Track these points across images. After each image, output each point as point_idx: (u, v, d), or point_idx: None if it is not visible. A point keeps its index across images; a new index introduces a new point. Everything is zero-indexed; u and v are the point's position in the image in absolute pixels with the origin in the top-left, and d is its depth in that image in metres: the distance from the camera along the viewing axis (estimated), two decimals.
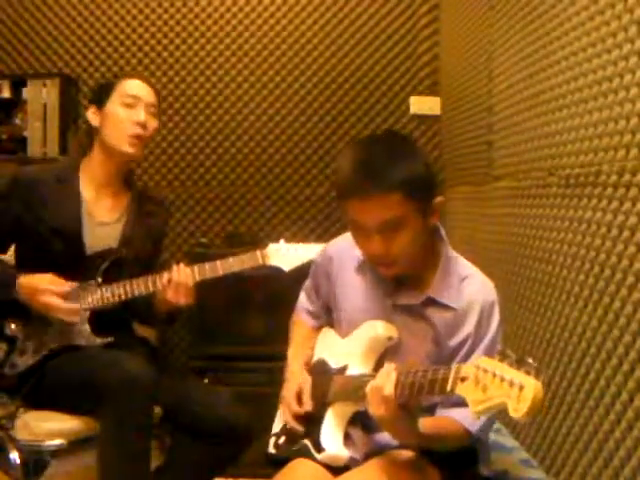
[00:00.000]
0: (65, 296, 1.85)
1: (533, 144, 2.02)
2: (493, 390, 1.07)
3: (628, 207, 1.45)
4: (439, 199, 1.46)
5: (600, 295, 1.56)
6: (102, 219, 1.97)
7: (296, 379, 1.64)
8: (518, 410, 1.02)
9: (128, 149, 1.93)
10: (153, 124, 1.98)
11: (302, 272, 1.85)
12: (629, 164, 1.44)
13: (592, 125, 1.62)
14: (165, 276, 1.85)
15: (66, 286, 1.86)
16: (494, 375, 1.08)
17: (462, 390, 1.14)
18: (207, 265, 1.86)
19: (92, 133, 2.00)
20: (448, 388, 1.17)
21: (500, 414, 1.36)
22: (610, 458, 1.49)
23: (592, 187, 1.62)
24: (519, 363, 1.06)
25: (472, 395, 1.11)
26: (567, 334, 1.73)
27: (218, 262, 1.86)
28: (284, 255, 1.85)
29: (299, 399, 1.60)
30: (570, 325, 1.72)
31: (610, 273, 1.52)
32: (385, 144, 1.48)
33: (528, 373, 1.04)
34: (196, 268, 1.86)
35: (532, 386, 1.02)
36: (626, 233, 1.45)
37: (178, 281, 1.83)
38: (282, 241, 1.87)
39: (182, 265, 1.86)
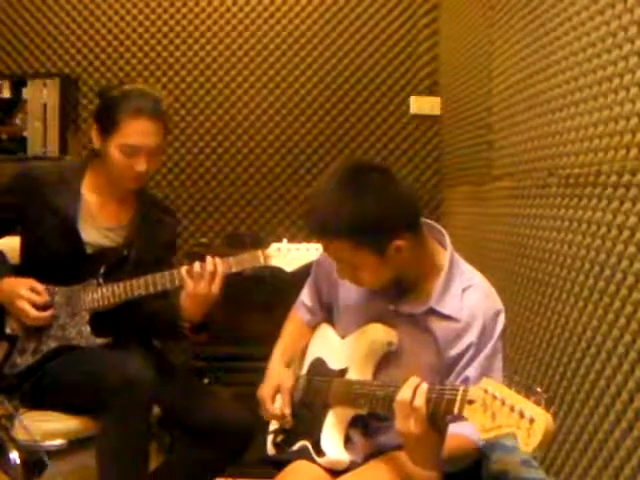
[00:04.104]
0: (39, 304, 1.85)
1: (533, 144, 2.02)
2: (502, 419, 1.05)
3: (628, 207, 1.45)
4: (397, 243, 1.36)
5: (600, 295, 1.56)
6: (107, 224, 1.96)
7: (274, 379, 1.64)
8: (529, 444, 1.00)
9: (129, 185, 1.91)
10: (155, 165, 1.90)
11: (303, 272, 1.84)
12: (629, 164, 1.44)
13: (592, 125, 1.62)
14: (184, 268, 1.81)
15: (43, 295, 1.86)
16: (503, 403, 1.06)
17: (469, 413, 1.13)
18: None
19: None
20: (455, 410, 1.16)
21: None
22: (610, 458, 1.49)
23: (592, 187, 1.62)
24: (527, 391, 1.04)
25: (480, 420, 1.10)
26: (567, 334, 1.73)
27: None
28: (286, 255, 1.81)
29: (274, 400, 1.61)
30: (570, 325, 1.71)
31: (610, 273, 1.51)
32: (342, 184, 1.39)
33: (538, 403, 1.02)
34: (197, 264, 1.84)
35: (543, 420, 1.00)
36: (626, 233, 1.45)
37: (209, 270, 1.78)
38: (285, 241, 1.83)
39: (208, 257, 1.82)
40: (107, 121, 1.84)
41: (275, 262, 1.81)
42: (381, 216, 1.35)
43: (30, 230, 1.95)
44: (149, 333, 2.12)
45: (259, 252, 1.81)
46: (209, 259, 1.80)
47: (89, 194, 1.95)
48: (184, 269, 1.81)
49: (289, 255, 1.81)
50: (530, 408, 1.02)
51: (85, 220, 1.93)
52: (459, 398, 1.15)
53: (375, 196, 1.36)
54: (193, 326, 1.91)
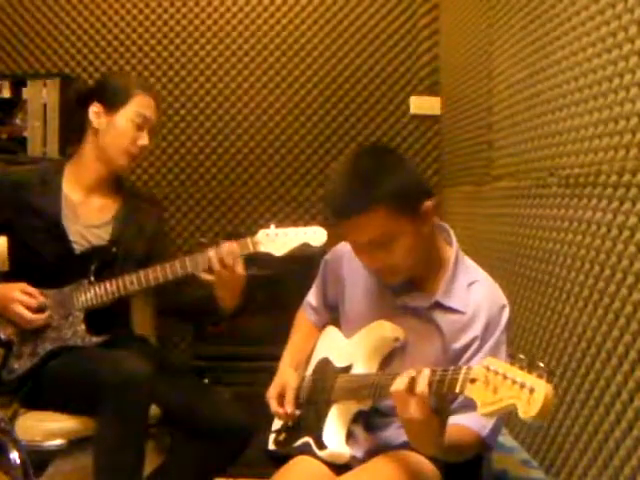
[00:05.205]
0: (33, 307, 1.85)
1: (533, 144, 2.02)
2: (503, 392, 1.07)
3: (628, 207, 1.45)
4: (427, 203, 1.43)
5: (600, 295, 1.56)
6: (92, 221, 1.96)
7: (281, 379, 1.65)
8: (528, 411, 1.01)
9: (123, 162, 1.94)
10: (151, 144, 2.00)
11: (302, 272, 1.84)
12: (629, 164, 1.44)
13: (592, 125, 1.62)
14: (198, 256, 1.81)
15: (37, 297, 1.86)
16: (505, 377, 1.07)
17: (472, 391, 1.13)
18: (199, 256, 1.83)
19: (85, 127, 1.97)
20: (457, 389, 1.17)
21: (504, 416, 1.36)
22: (610, 458, 1.49)
23: (592, 187, 1.62)
24: (530, 366, 1.05)
25: (482, 396, 1.10)
26: (567, 334, 1.73)
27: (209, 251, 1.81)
28: (275, 240, 1.79)
29: (281, 400, 1.61)
30: (570, 325, 1.72)
31: (610, 273, 1.52)
32: (365, 162, 1.45)
33: (540, 377, 1.03)
34: (187, 259, 1.83)
35: (543, 388, 1.01)
36: (626, 233, 1.45)
37: (226, 254, 1.77)
38: (272, 226, 1.81)
39: (221, 242, 1.81)
40: (117, 95, 1.93)
41: (264, 248, 1.79)
42: (411, 180, 1.44)
43: (16, 236, 1.95)
44: (191, 321, 2.12)
45: (247, 239, 1.80)
46: (212, 252, 1.79)
47: (71, 190, 1.96)
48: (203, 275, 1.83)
49: (278, 240, 1.79)
50: (531, 380, 1.04)
51: (69, 219, 1.93)
52: (461, 377, 1.16)
53: (400, 166, 1.44)
54: (233, 310, 1.94)
